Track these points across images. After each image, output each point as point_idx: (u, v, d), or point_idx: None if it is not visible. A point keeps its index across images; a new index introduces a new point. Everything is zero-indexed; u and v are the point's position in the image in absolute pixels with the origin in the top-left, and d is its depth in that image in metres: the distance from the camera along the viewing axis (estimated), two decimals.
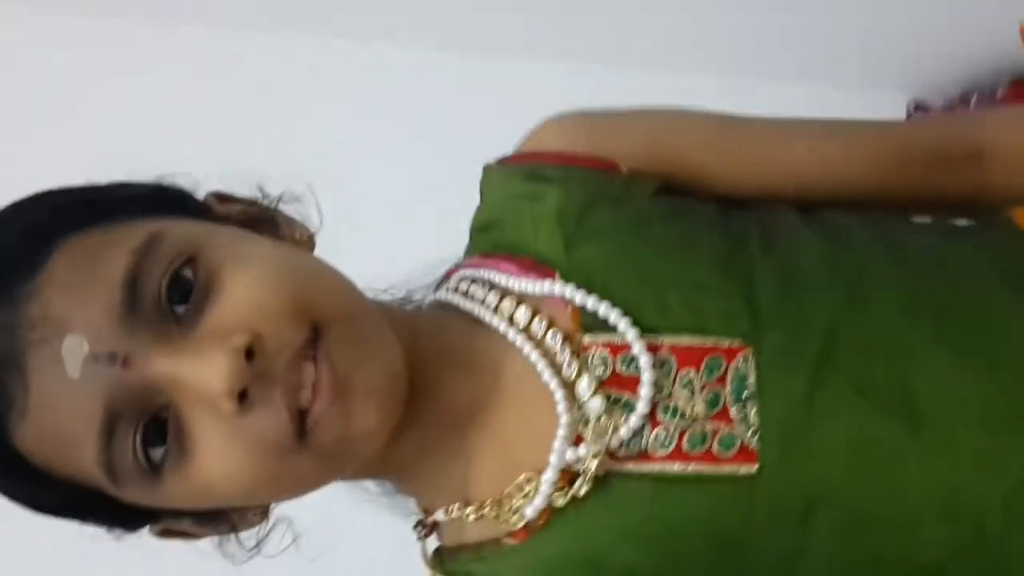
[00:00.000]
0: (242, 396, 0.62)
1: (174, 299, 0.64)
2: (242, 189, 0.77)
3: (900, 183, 0.80)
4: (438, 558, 0.77)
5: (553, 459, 0.69)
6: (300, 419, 0.64)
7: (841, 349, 0.68)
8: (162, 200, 0.72)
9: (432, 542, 0.78)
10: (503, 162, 0.81)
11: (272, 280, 0.66)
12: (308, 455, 0.65)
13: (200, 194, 0.76)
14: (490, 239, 0.79)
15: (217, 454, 0.64)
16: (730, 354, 0.69)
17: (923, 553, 0.68)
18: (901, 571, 0.68)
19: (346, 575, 1.39)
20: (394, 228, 1.68)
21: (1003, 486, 0.67)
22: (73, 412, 0.63)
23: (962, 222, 0.81)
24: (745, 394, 0.68)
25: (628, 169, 0.77)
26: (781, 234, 0.74)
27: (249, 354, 0.62)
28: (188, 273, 0.65)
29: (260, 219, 0.75)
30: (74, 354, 0.63)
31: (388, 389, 0.67)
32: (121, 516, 0.71)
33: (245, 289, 0.65)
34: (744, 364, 0.69)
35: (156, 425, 0.64)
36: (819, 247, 0.73)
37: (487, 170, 0.81)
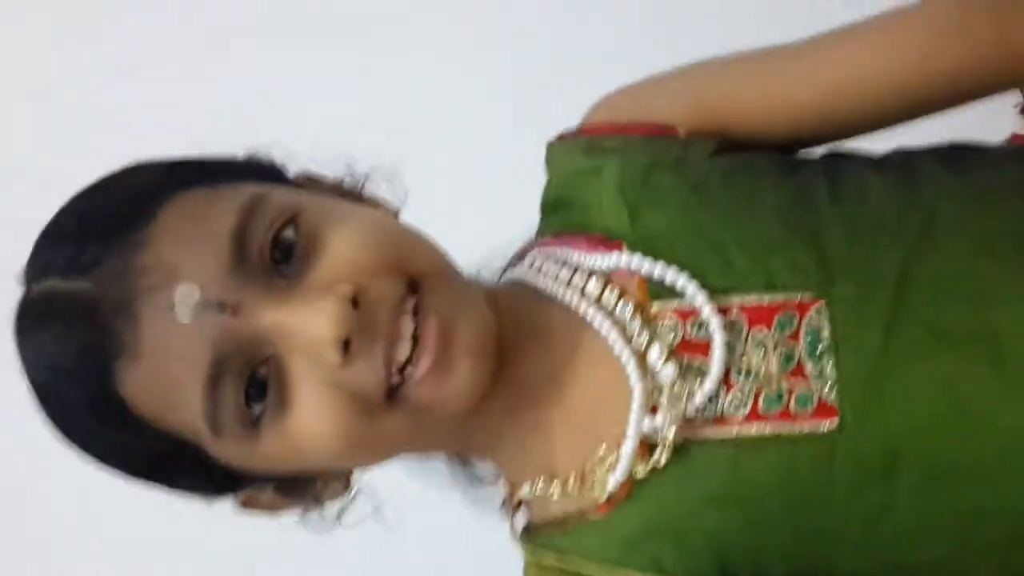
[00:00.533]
0: (346, 346, 0.64)
1: (278, 257, 0.66)
2: (331, 168, 0.79)
3: (939, 59, 0.74)
4: (528, 534, 0.77)
5: (630, 430, 0.69)
6: (398, 372, 0.66)
7: (916, 294, 0.67)
8: (259, 170, 0.75)
9: (520, 519, 0.78)
10: (563, 138, 0.81)
11: (370, 237, 0.68)
12: (399, 412, 0.67)
13: (290, 172, 0.78)
14: (559, 218, 0.79)
15: (314, 405, 0.65)
16: (802, 308, 0.68)
17: (1013, 501, 0.66)
18: (991, 523, 0.67)
19: (422, 550, 1.40)
20: (465, 207, 1.69)
21: None
22: (182, 358, 0.65)
23: None
24: (820, 348, 0.67)
25: (685, 131, 0.77)
26: (847, 179, 0.72)
27: (354, 303, 0.64)
28: (290, 233, 0.67)
29: (347, 196, 0.78)
30: (185, 300, 0.64)
31: (484, 347, 0.69)
32: (211, 478, 0.71)
33: (345, 246, 0.67)
34: (817, 317, 0.68)
35: (258, 378, 0.66)
36: (887, 188, 0.71)
37: (549, 147, 0.82)
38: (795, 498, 0.67)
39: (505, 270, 0.82)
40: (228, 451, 0.68)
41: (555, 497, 0.73)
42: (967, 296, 0.67)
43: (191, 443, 0.68)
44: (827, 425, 0.67)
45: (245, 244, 0.66)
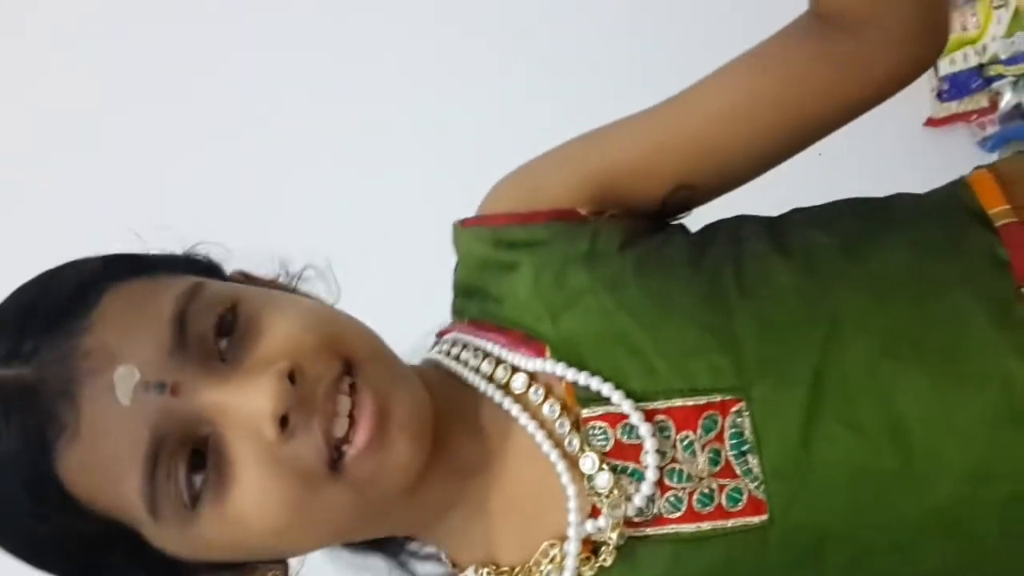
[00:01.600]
0: (284, 423, 0.65)
1: (220, 344, 0.68)
2: (265, 267, 0.81)
3: (798, 65, 0.78)
4: None
5: (571, 532, 0.71)
6: (335, 448, 0.67)
7: (828, 391, 0.70)
8: (196, 265, 0.77)
9: None
10: (466, 224, 0.82)
11: (307, 321, 0.70)
12: (342, 486, 0.68)
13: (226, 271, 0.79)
14: (475, 306, 0.81)
15: (255, 482, 0.66)
16: (724, 409, 0.71)
17: (927, 566, 0.70)
18: None
19: None
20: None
21: (996, 501, 0.69)
22: (122, 438, 0.65)
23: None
24: (745, 447, 0.70)
25: (587, 211, 0.79)
26: (754, 270, 0.74)
27: (291, 379, 0.66)
28: (230, 319, 0.68)
29: (283, 289, 0.79)
30: (126, 382, 0.65)
31: (421, 422, 0.70)
32: (147, 568, 0.71)
33: (283, 328, 0.69)
34: (739, 418, 0.71)
35: (197, 458, 0.66)
36: (794, 281, 0.73)
37: (455, 230, 0.83)
38: None
39: (429, 351, 0.83)
40: (166, 535, 0.68)
41: None
42: (874, 393, 0.70)
43: (128, 529, 0.68)
44: (757, 519, 0.70)
45: (185, 329, 0.67)
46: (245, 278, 0.79)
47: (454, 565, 0.79)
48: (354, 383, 0.68)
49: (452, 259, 0.84)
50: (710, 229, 0.80)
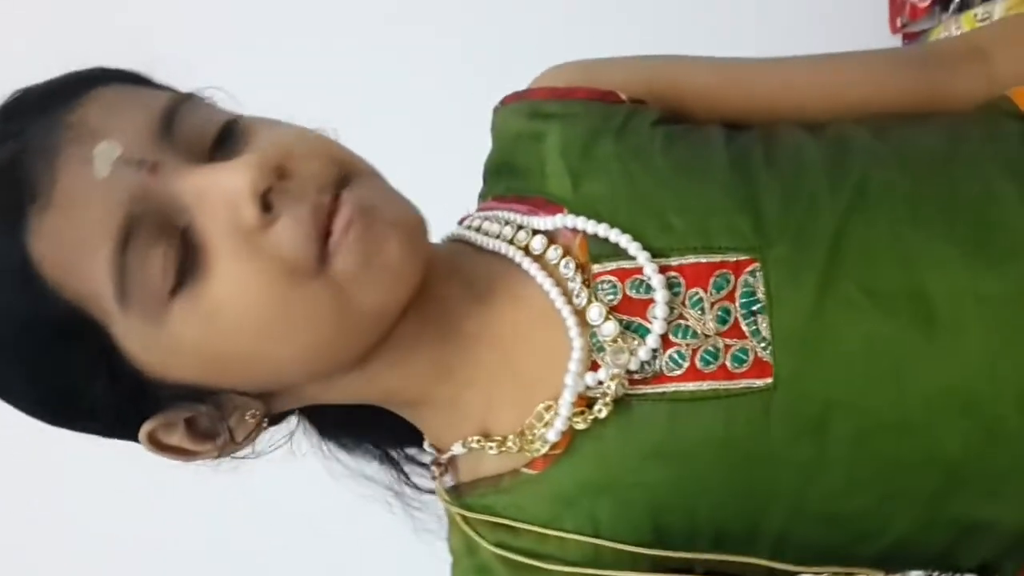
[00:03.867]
0: (266, 207, 0.63)
1: (215, 143, 0.66)
2: None
3: (905, 88, 0.80)
4: (455, 493, 0.77)
5: (568, 380, 0.70)
6: (323, 243, 0.64)
7: (848, 256, 0.68)
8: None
9: (448, 479, 0.78)
10: (506, 101, 0.82)
11: (305, 134, 0.69)
12: (325, 283, 0.65)
13: None
14: (502, 183, 0.81)
15: (232, 271, 0.63)
16: (737, 268, 0.69)
17: (940, 452, 0.68)
18: (920, 471, 0.69)
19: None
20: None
21: (1017, 383, 0.67)
22: (94, 212, 0.63)
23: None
24: (755, 307, 0.69)
25: (628, 97, 0.79)
26: (784, 145, 0.74)
27: (279, 173, 0.64)
28: (227, 130, 0.67)
29: None
30: (105, 155, 0.63)
31: (409, 232, 0.68)
32: (113, 386, 0.67)
33: (280, 136, 0.67)
34: (752, 278, 0.69)
35: (171, 249, 0.63)
36: (821, 154, 0.73)
37: (495, 112, 0.83)
38: (731, 451, 0.69)
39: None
40: (134, 333, 0.65)
41: (492, 453, 0.73)
42: (898, 259, 0.68)
43: (95, 324, 0.65)
44: (762, 382, 0.68)
45: (176, 122, 0.66)
46: None
47: (437, 450, 0.78)
48: (344, 193, 0.66)
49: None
50: (745, 124, 0.79)
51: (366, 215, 0.65)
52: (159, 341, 0.65)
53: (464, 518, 0.75)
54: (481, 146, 0.84)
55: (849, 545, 0.71)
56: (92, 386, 0.67)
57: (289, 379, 0.71)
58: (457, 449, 0.75)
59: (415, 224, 0.69)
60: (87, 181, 0.63)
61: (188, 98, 0.68)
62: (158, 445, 0.71)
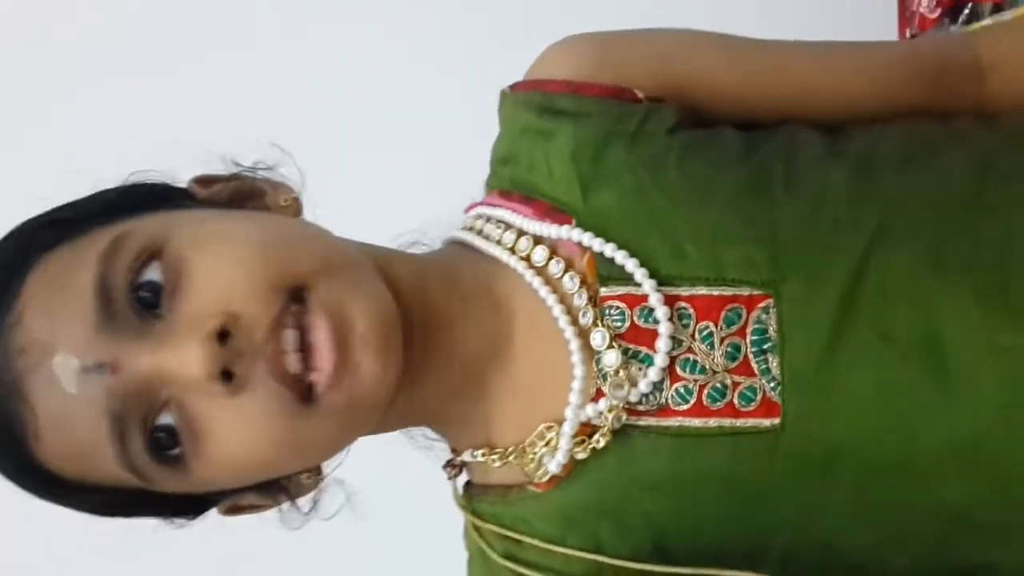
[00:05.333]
0: (227, 376, 0.63)
1: (146, 299, 0.66)
2: (221, 168, 0.77)
3: (910, 98, 0.79)
4: (467, 495, 0.78)
5: (569, 413, 0.69)
6: (298, 384, 0.65)
7: (864, 298, 0.66)
8: (131, 201, 0.72)
9: (462, 479, 0.79)
10: (516, 89, 0.80)
11: (241, 255, 0.66)
12: (322, 416, 0.66)
13: (181, 182, 0.76)
14: (507, 175, 0.78)
15: (228, 434, 0.65)
16: (750, 303, 0.68)
17: (945, 501, 0.67)
18: (922, 519, 0.68)
19: (397, 530, 1.40)
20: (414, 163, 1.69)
21: None
22: (81, 424, 0.65)
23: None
24: (766, 346, 0.67)
25: (645, 95, 0.76)
26: (805, 168, 0.72)
27: (224, 336, 0.63)
28: (155, 274, 0.66)
29: (246, 192, 0.76)
30: (65, 370, 0.65)
31: (380, 331, 0.67)
32: (179, 506, 0.73)
33: (212, 272, 0.66)
34: (765, 314, 0.67)
35: (162, 424, 0.66)
36: (844, 183, 0.70)
37: (503, 96, 0.80)
38: (734, 489, 0.68)
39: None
40: (170, 488, 0.69)
41: (496, 466, 0.73)
42: (915, 305, 0.66)
43: (134, 488, 0.68)
44: (769, 422, 0.67)
45: (111, 293, 0.65)
46: (202, 185, 0.75)
47: (454, 451, 0.79)
48: (305, 307, 0.65)
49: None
50: (766, 129, 0.77)
51: (342, 345, 0.65)
52: (194, 486, 0.69)
53: (475, 526, 0.76)
54: (489, 130, 0.82)
55: (853, 570, 0.71)
56: (161, 511, 0.73)
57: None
58: (467, 457, 0.76)
59: (384, 321, 0.67)
60: (61, 400, 0.65)
61: (113, 255, 0.66)
62: (233, 511, 0.76)
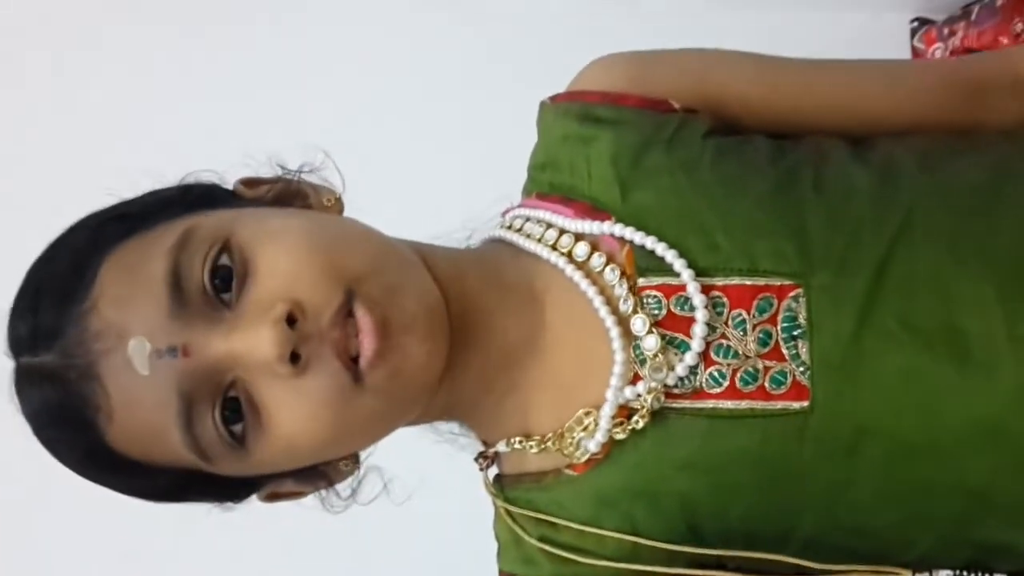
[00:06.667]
0: (295, 358, 0.68)
1: (219, 287, 0.70)
2: (266, 171, 0.81)
3: (937, 116, 0.82)
4: (498, 485, 0.81)
5: (610, 395, 0.72)
6: (354, 365, 0.69)
7: (889, 287, 0.70)
8: (190, 199, 0.77)
9: (493, 471, 0.82)
10: (556, 100, 0.83)
11: (302, 249, 0.70)
12: (370, 395, 0.70)
13: (228, 184, 0.80)
14: (546, 180, 0.81)
15: (290, 414, 0.69)
16: (781, 293, 0.71)
17: (967, 479, 0.70)
18: (946, 496, 0.71)
19: (433, 517, 1.44)
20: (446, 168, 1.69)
21: None
22: (152, 405, 0.69)
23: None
24: (796, 332, 0.71)
25: (680, 106, 0.79)
26: (832, 171, 0.76)
27: (292, 320, 0.68)
28: (225, 260, 0.70)
29: (290, 194, 0.80)
30: (139, 354, 0.68)
31: (426, 321, 0.71)
32: (227, 489, 0.77)
33: (278, 262, 0.70)
34: (795, 303, 0.71)
35: (230, 402, 0.70)
36: (869, 185, 0.74)
37: (543, 107, 0.84)
38: (764, 468, 0.72)
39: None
40: (227, 469, 0.73)
41: (533, 452, 0.76)
42: (937, 296, 0.70)
43: (191, 469, 0.72)
44: (799, 404, 0.71)
45: (182, 283, 0.69)
46: (247, 186, 0.79)
47: (485, 443, 0.82)
48: (355, 303, 0.69)
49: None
50: (795, 137, 0.81)
51: (384, 330, 0.69)
52: (250, 468, 0.73)
53: (508, 512, 0.78)
54: (526, 137, 0.84)
55: (878, 552, 0.74)
56: (210, 495, 0.78)
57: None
58: (502, 447, 0.78)
59: (429, 313, 0.72)
60: (133, 382, 0.69)
61: (183, 247, 0.70)
62: (273, 498, 0.79)
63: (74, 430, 0.71)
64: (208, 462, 0.71)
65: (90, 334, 0.69)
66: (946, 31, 1.82)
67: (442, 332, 0.72)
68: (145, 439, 0.71)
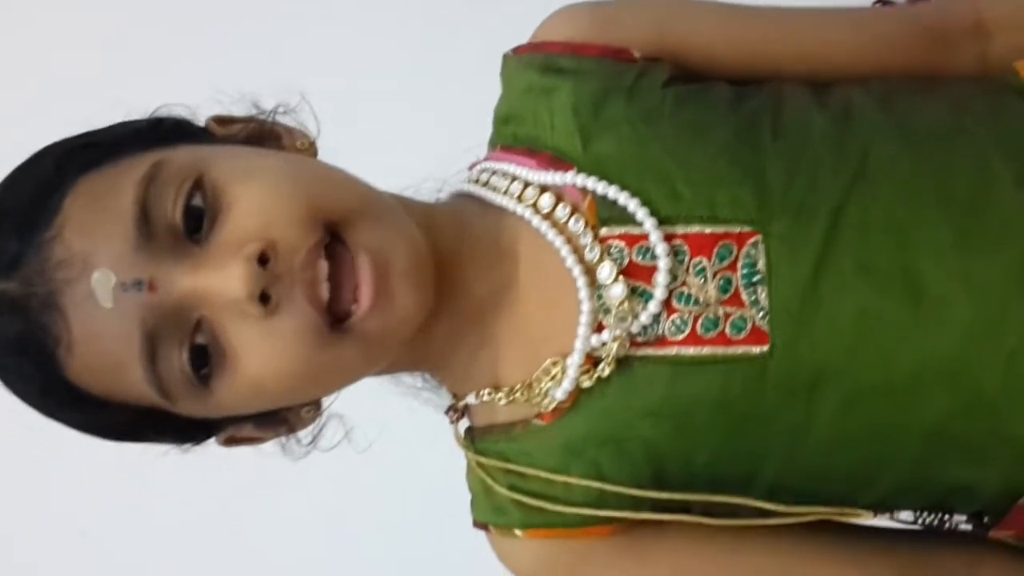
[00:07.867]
0: (265, 298, 0.67)
1: (189, 225, 0.68)
2: (238, 110, 0.80)
3: (902, 61, 0.82)
4: (469, 438, 0.82)
5: (578, 343, 0.73)
6: (328, 312, 0.68)
7: (845, 232, 0.72)
8: (161, 132, 0.75)
9: (463, 424, 0.83)
10: (519, 51, 0.83)
11: (279, 188, 0.69)
12: (352, 342, 0.70)
13: (199, 120, 0.79)
14: (510, 132, 0.82)
15: (257, 355, 0.68)
16: (740, 240, 0.72)
17: (924, 419, 0.72)
18: (904, 437, 0.73)
19: (394, 465, 1.44)
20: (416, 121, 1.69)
21: (1000, 354, 0.71)
22: (114, 339, 0.68)
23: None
24: (755, 279, 0.72)
25: (641, 55, 0.80)
26: (791, 116, 0.76)
27: (264, 260, 0.67)
28: (197, 199, 0.69)
29: (262, 135, 0.79)
30: (103, 286, 0.67)
31: (420, 267, 0.71)
32: (185, 431, 0.76)
33: (253, 200, 0.69)
34: (754, 249, 0.72)
35: (196, 342, 0.68)
36: (826, 128, 0.75)
37: (506, 59, 0.84)
38: (726, 413, 0.73)
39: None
40: (189, 409, 0.72)
41: (502, 403, 0.77)
42: (893, 238, 0.72)
43: (152, 407, 0.71)
44: (759, 349, 0.72)
45: (150, 217, 0.68)
46: (219, 123, 0.78)
47: (455, 396, 0.82)
48: (345, 245, 0.69)
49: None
50: (757, 82, 0.81)
51: (378, 273, 0.68)
52: (212, 408, 0.72)
53: (479, 463, 0.79)
54: (492, 91, 0.84)
55: (840, 494, 0.76)
56: (169, 436, 0.76)
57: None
58: (471, 400, 0.79)
59: (419, 258, 0.72)
60: (96, 315, 0.67)
61: (153, 179, 0.68)
62: (231, 443, 0.79)
63: (32, 361, 0.70)
64: (169, 401, 0.70)
65: (53, 263, 0.68)
66: None
67: (431, 282, 0.73)
68: (105, 374, 0.70)
